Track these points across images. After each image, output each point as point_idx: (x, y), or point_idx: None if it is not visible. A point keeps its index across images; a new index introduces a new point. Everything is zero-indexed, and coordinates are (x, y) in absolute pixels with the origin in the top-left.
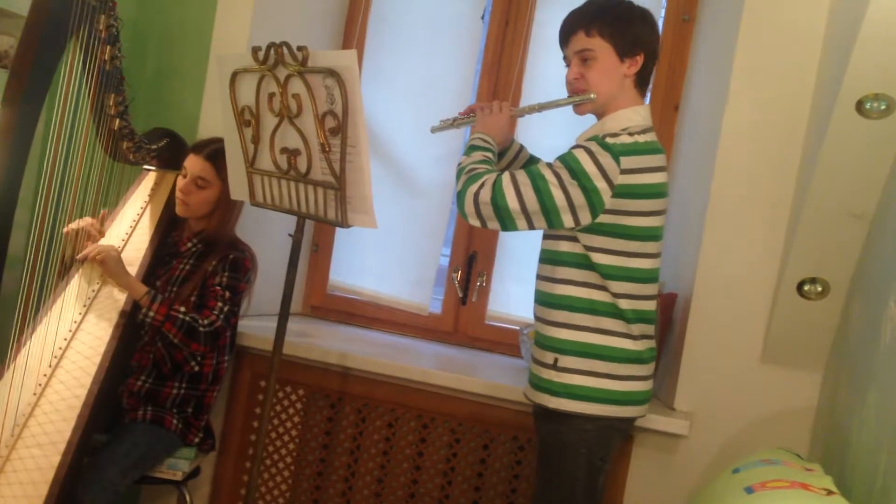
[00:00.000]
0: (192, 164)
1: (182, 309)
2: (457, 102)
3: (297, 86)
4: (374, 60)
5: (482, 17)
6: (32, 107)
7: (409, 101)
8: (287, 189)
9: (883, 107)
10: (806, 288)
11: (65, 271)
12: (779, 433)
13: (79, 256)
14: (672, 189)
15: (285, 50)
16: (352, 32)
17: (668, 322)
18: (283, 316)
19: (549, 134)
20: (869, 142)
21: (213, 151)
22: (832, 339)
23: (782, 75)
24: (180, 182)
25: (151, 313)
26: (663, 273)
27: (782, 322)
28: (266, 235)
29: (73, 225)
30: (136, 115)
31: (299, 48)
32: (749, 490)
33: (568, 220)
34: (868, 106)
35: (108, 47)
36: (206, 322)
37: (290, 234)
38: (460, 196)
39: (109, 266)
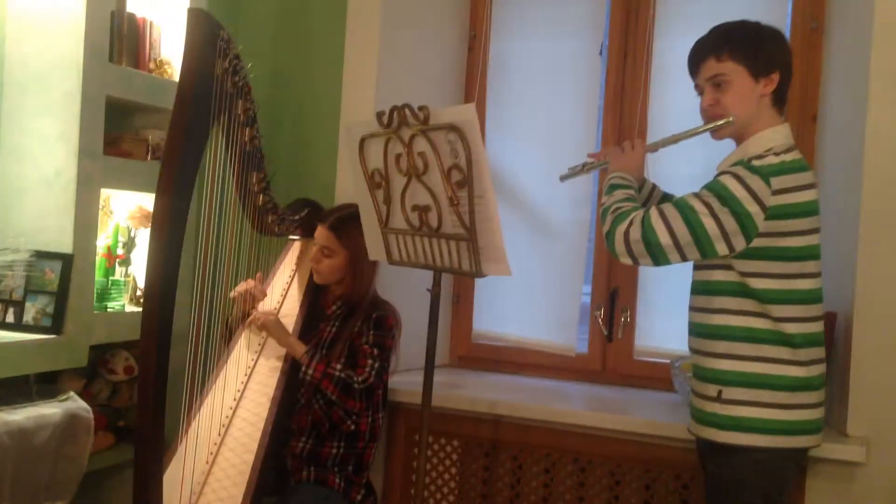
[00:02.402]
0: (319, 234)
1: (338, 367)
2: (583, 141)
3: (421, 144)
4: (498, 109)
5: (600, 53)
6: (184, 193)
7: (535, 145)
8: (421, 245)
9: None
10: None
11: (228, 334)
12: None
13: (248, 322)
14: (820, 203)
15: (407, 111)
16: (472, 85)
17: (830, 343)
18: (429, 369)
19: (688, 162)
20: None
21: (336, 220)
22: None
23: None
24: (311, 251)
25: (311, 371)
26: None
27: None
28: (408, 291)
29: (239, 288)
30: (277, 189)
31: (420, 108)
32: None
33: (722, 248)
34: None
35: (248, 129)
36: (360, 379)
37: (427, 290)
38: (609, 236)
39: (271, 329)
